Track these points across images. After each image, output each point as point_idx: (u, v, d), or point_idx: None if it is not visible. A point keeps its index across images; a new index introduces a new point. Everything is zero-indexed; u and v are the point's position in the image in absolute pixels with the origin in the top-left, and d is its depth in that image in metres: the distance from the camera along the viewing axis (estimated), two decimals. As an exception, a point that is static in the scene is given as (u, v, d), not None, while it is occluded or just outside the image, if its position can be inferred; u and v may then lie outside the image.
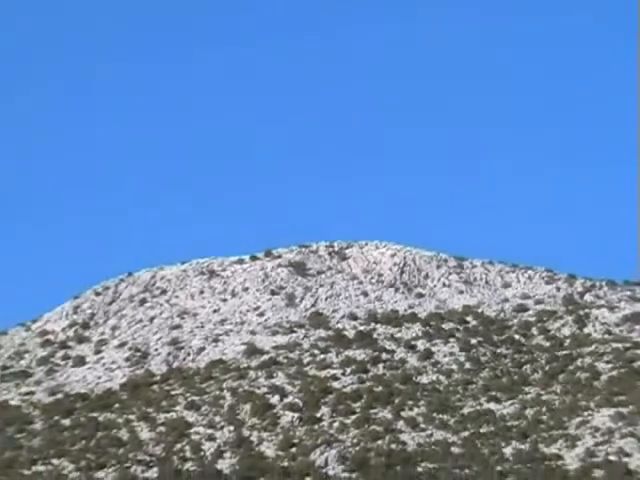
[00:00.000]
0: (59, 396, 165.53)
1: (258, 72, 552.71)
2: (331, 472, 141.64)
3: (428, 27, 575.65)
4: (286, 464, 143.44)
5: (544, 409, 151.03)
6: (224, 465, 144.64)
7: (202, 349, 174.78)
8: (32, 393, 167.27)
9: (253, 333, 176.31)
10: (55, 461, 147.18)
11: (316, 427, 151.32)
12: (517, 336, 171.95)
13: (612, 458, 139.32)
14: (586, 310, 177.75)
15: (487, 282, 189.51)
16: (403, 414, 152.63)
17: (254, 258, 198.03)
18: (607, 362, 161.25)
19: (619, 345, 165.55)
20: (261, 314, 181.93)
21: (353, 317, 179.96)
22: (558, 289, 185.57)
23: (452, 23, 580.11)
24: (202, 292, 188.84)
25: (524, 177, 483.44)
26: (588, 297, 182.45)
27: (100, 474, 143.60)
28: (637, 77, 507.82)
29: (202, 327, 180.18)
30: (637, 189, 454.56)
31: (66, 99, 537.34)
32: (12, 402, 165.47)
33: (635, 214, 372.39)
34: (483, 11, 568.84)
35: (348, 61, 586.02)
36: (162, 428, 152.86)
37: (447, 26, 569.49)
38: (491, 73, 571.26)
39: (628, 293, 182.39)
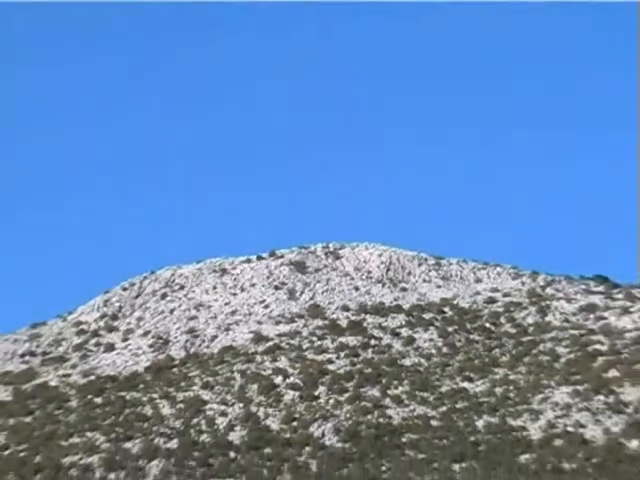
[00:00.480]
0: (92, 378, 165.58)
1: (258, 75, 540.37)
2: (327, 442, 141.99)
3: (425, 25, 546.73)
4: (288, 436, 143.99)
5: (511, 387, 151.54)
6: (234, 437, 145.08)
7: (215, 337, 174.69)
8: (68, 375, 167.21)
9: (259, 323, 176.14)
10: (89, 434, 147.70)
11: (314, 404, 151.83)
12: (487, 324, 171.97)
13: (570, 429, 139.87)
14: (547, 302, 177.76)
15: (462, 278, 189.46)
16: (389, 392, 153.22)
17: (260, 258, 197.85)
18: (565, 346, 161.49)
19: (575, 332, 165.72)
20: (266, 306, 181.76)
21: (346, 308, 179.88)
22: (523, 283, 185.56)
23: (452, 24, 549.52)
24: (215, 287, 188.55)
25: (497, 181, 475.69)
26: (549, 290, 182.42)
27: (127, 445, 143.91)
28: (637, 77, 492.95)
29: (215, 318, 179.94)
30: (637, 189, 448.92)
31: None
32: (51, 383, 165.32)
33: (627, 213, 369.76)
34: (484, 10, 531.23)
35: (345, 61, 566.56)
36: (181, 405, 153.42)
37: (444, 27, 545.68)
38: (481, 72, 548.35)
39: (583, 287, 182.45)
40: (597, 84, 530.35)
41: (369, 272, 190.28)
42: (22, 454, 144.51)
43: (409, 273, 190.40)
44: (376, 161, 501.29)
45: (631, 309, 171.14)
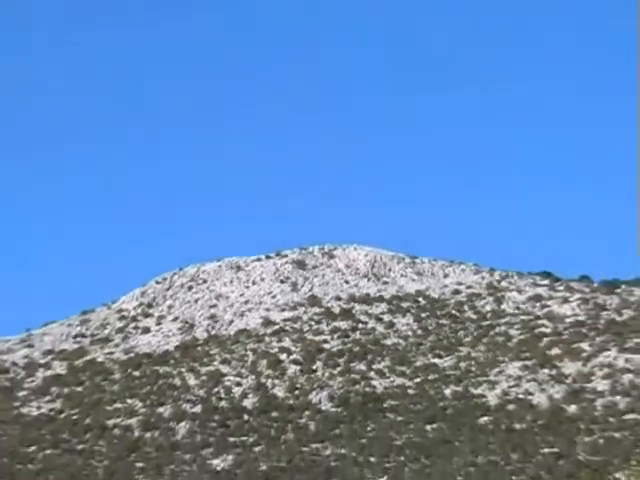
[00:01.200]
0: (131, 355, 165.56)
1: (265, 79, 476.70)
2: (323, 408, 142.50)
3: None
4: (291, 402, 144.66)
5: (473, 362, 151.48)
6: (247, 403, 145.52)
7: (232, 321, 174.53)
8: (112, 353, 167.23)
9: (267, 310, 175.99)
10: (129, 400, 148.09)
11: (312, 376, 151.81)
12: (453, 311, 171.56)
13: (520, 396, 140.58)
14: (502, 293, 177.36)
15: (432, 273, 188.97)
16: (373, 366, 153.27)
17: (268, 257, 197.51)
18: (517, 329, 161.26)
19: (525, 317, 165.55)
20: (273, 297, 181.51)
21: (338, 298, 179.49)
22: (482, 278, 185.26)
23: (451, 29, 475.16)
24: (232, 281, 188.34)
25: (466, 187, 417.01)
26: (503, 283, 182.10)
27: (160, 409, 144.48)
28: (637, 77, 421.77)
29: (232, 306, 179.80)
30: (637, 190, 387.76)
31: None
32: (98, 359, 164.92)
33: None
34: (483, 11, 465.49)
35: (341, 75, 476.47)
36: (204, 377, 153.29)
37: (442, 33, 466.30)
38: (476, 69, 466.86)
39: (531, 280, 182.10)
40: (597, 82, 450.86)
41: (357, 269, 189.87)
42: (74, 417, 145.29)
43: (390, 269, 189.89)
44: (366, 174, 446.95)
45: (570, 299, 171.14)
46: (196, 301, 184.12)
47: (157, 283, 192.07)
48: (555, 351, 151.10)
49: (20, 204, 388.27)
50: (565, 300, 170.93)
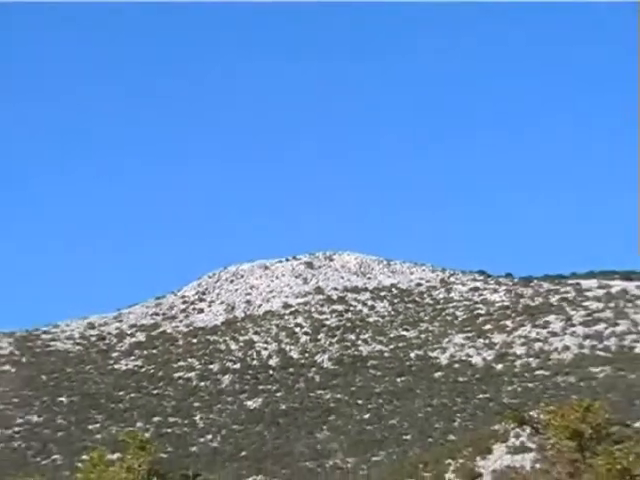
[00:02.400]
0: (191, 328, 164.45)
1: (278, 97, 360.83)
2: (324, 365, 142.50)
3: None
4: (302, 361, 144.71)
5: (430, 334, 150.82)
6: (272, 362, 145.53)
7: (261, 305, 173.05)
8: (177, 326, 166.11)
9: (286, 297, 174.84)
10: (189, 360, 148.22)
11: (317, 343, 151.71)
12: (417, 298, 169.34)
13: (463, 358, 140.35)
14: (451, 285, 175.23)
15: (402, 272, 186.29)
16: (360, 337, 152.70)
17: (287, 260, 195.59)
18: (461, 311, 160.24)
19: (467, 303, 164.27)
20: (290, 287, 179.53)
21: (336, 289, 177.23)
22: (437, 275, 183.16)
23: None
24: (261, 276, 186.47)
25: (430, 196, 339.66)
26: (452, 279, 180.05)
27: (211, 366, 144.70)
28: (637, 77, 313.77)
29: (261, 294, 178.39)
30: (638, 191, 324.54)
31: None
32: (168, 330, 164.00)
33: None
34: (482, 13, 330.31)
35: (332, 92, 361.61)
36: (241, 344, 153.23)
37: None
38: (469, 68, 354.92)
39: (471, 277, 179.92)
40: (596, 86, 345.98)
41: (349, 268, 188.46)
42: (151, 371, 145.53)
43: (372, 269, 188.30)
44: (357, 192, 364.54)
45: (498, 290, 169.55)
46: (236, 290, 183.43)
47: (209, 277, 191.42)
48: (488, 326, 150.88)
49: (106, 205, 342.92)
50: (495, 291, 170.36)
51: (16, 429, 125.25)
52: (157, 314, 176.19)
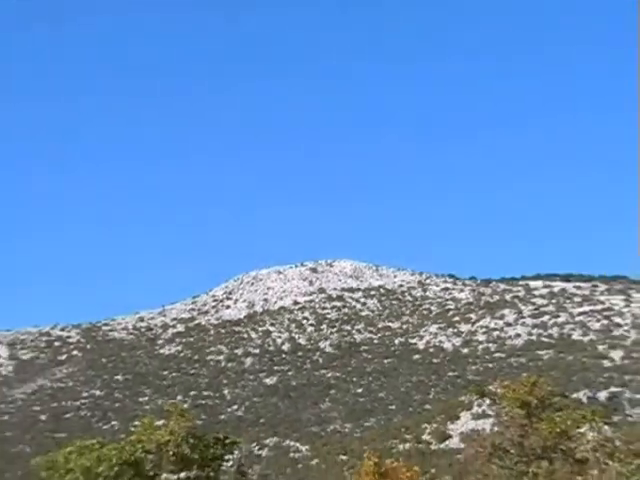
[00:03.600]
0: (220, 321, 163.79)
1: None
2: (326, 350, 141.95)
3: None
4: (309, 347, 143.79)
5: (410, 325, 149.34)
6: (284, 347, 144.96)
7: (275, 302, 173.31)
8: (209, 320, 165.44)
9: (296, 295, 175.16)
10: (219, 346, 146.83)
11: (320, 332, 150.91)
12: (400, 296, 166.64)
13: (437, 344, 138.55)
14: (426, 286, 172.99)
15: (387, 275, 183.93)
16: (355, 327, 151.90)
17: (296, 266, 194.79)
18: (435, 307, 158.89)
19: (439, 299, 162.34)
20: (298, 288, 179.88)
21: (335, 289, 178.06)
22: (415, 278, 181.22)
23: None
24: (276, 280, 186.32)
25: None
26: (427, 281, 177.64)
27: (236, 350, 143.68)
28: (637, 77, 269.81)
29: (276, 293, 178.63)
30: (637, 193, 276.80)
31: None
32: (202, 322, 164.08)
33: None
34: (481, 13, 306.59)
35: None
36: (260, 333, 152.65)
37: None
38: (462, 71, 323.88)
39: (443, 278, 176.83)
40: (596, 82, 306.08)
41: (346, 273, 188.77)
42: (188, 355, 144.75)
43: (363, 273, 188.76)
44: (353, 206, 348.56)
45: (464, 289, 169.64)
46: (255, 291, 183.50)
47: (234, 280, 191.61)
48: (456, 319, 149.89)
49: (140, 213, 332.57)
50: (461, 290, 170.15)
51: (83, 401, 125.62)
52: (193, 310, 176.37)
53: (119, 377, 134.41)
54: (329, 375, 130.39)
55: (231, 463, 35.00)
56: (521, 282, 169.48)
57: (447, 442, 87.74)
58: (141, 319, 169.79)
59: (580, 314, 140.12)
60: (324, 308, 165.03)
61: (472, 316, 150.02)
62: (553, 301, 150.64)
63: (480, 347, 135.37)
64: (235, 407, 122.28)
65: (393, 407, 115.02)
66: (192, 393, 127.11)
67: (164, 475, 31.21)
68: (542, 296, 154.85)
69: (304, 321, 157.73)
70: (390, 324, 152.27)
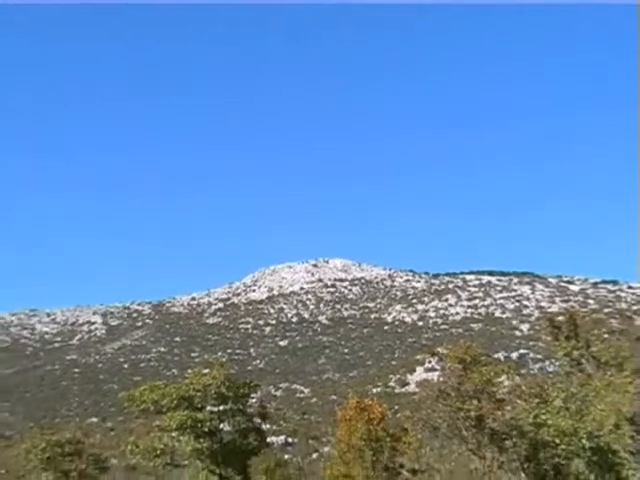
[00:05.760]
0: (249, 300, 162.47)
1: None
2: (324, 322, 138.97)
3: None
4: (311, 320, 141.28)
5: (382, 305, 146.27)
6: (293, 320, 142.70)
7: (287, 288, 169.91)
8: (241, 299, 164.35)
9: (302, 284, 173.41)
10: (247, 318, 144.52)
11: (319, 309, 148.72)
12: (375, 285, 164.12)
13: (400, 319, 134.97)
14: (394, 278, 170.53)
15: (367, 270, 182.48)
16: (344, 306, 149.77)
17: (302, 263, 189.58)
18: (399, 292, 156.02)
19: (403, 287, 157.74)
20: (304, 279, 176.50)
21: (330, 279, 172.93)
22: (386, 271, 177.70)
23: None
24: (287, 272, 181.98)
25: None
26: (395, 274, 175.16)
27: (259, 322, 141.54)
28: (637, 78, 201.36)
29: (288, 282, 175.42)
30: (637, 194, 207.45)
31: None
32: (235, 302, 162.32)
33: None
34: (482, 13, 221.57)
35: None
36: (277, 309, 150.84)
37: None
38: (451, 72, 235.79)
39: (410, 274, 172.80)
40: (596, 85, 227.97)
41: (337, 267, 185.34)
42: (226, 324, 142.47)
43: (350, 268, 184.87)
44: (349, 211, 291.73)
45: (420, 280, 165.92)
46: (273, 280, 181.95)
47: (258, 272, 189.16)
48: (414, 301, 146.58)
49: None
50: (418, 281, 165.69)
51: (152, 355, 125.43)
52: (229, 292, 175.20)
53: (177, 339, 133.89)
54: (324, 339, 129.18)
55: (255, 400, 35.16)
56: (460, 276, 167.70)
57: (406, 387, 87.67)
58: (193, 298, 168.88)
59: (500, 298, 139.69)
60: (322, 292, 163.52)
61: (425, 299, 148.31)
62: (482, 289, 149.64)
63: (431, 321, 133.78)
64: (258, 361, 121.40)
65: (369, 362, 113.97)
66: (228, 351, 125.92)
67: (208, 407, 31.49)
68: (475, 286, 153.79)
69: (307, 301, 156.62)
70: (368, 304, 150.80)
